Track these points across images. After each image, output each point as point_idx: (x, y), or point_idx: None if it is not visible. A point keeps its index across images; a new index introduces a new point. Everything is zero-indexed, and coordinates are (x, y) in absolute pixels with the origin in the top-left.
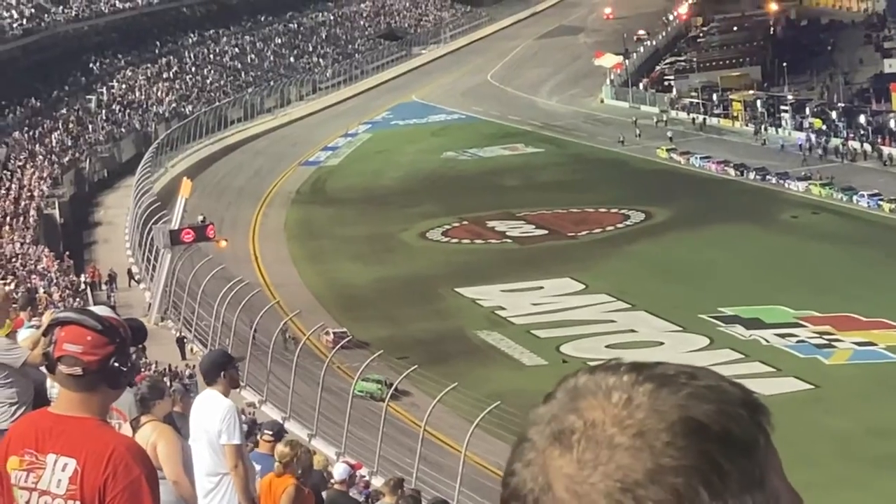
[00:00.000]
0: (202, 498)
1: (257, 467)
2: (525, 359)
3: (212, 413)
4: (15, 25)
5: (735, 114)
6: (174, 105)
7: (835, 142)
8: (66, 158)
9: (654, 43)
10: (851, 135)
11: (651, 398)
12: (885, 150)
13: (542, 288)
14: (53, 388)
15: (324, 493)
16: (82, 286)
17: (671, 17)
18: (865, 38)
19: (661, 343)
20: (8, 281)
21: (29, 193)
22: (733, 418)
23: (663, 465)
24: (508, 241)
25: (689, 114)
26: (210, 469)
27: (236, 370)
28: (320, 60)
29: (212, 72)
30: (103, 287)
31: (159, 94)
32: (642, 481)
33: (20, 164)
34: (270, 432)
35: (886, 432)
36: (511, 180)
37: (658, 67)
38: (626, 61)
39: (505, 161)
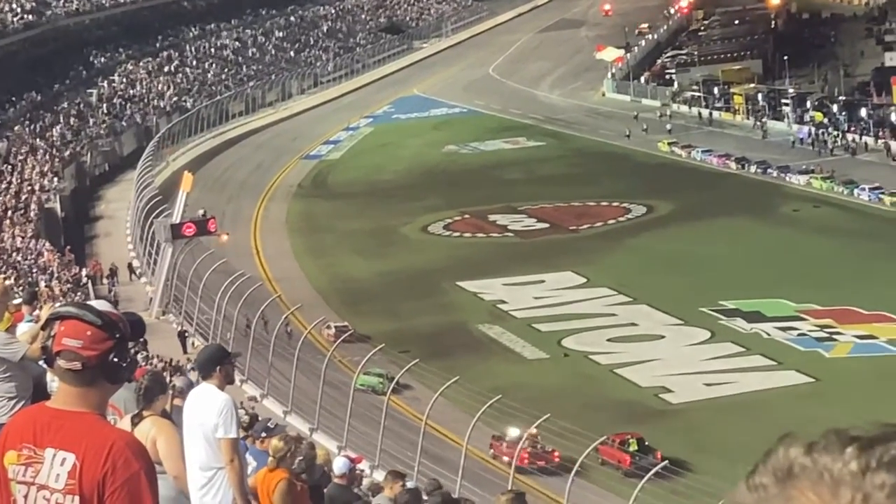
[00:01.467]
0: (196, 491)
1: (253, 463)
2: (527, 352)
3: (208, 407)
4: (16, 19)
5: (736, 107)
6: (175, 99)
7: (834, 135)
8: (67, 152)
9: (655, 36)
10: (853, 128)
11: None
12: (893, 144)
13: (543, 282)
14: (53, 381)
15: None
16: (83, 280)
17: (672, 11)
18: (866, 31)
19: (663, 336)
20: (8, 274)
21: (30, 187)
22: None
23: None
24: (510, 234)
25: (690, 107)
26: (204, 463)
27: (232, 365)
28: (322, 54)
29: (213, 65)
30: (104, 281)
31: (160, 87)
32: None
33: (21, 157)
34: (265, 434)
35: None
36: (512, 174)
37: (659, 61)
38: (628, 55)
39: (506, 155)
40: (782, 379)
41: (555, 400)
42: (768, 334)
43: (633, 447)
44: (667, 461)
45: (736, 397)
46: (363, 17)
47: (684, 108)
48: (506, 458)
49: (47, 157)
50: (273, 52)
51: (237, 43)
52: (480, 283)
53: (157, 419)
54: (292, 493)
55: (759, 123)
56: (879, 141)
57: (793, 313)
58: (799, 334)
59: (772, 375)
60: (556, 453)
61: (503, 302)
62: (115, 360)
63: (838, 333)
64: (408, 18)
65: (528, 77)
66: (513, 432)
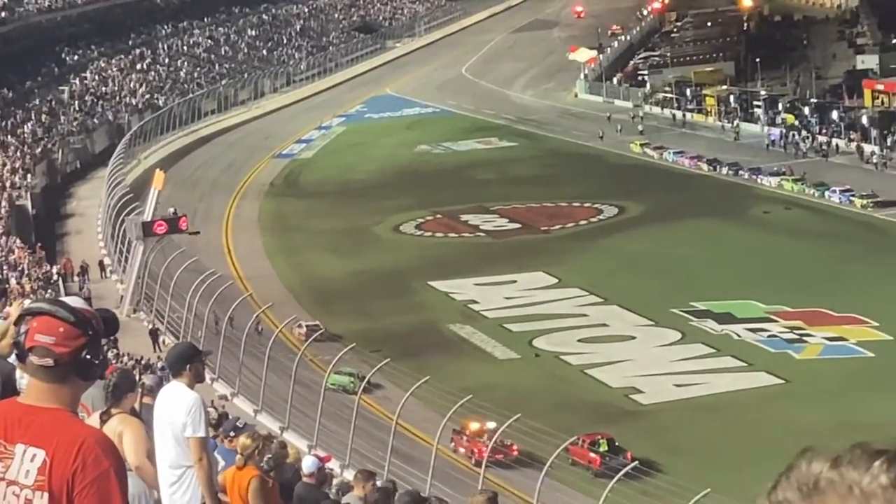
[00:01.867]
0: (166, 489)
1: (222, 462)
2: (498, 352)
3: (177, 405)
4: None
5: (708, 109)
6: (147, 96)
7: (804, 137)
8: (39, 149)
9: (628, 38)
10: (824, 130)
11: None
12: (865, 147)
13: (515, 282)
14: (23, 378)
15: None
16: (54, 277)
17: (645, 12)
18: (838, 34)
19: (634, 337)
20: None
21: (0, 184)
22: None
23: None
24: (482, 234)
25: (663, 109)
26: (174, 461)
27: (202, 364)
28: (294, 53)
29: (185, 63)
30: (76, 278)
31: (132, 85)
32: None
33: None
34: (233, 433)
35: (855, 426)
36: (485, 174)
37: (632, 62)
38: (600, 56)
39: (479, 155)
40: (753, 380)
41: (525, 400)
42: (739, 336)
43: (604, 448)
44: (637, 462)
45: (706, 398)
46: (336, 16)
47: (657, 110)
48: (462, 451)
49: (18, 153)
50: (246, 50)
51: (210, 41)
52: (452, 283)
53: (125, 417)
54: (264, 489)
55: (731, 125)
56: (851, 144)
57: (763, 315)
58: (769, 336)
59: (742, 377)
60: (515, 447)
61: (474, 302)
62: (88, 357)
63: (808, 335)
64: (381, 18)
65: (501, 77)
66: (473, 426)
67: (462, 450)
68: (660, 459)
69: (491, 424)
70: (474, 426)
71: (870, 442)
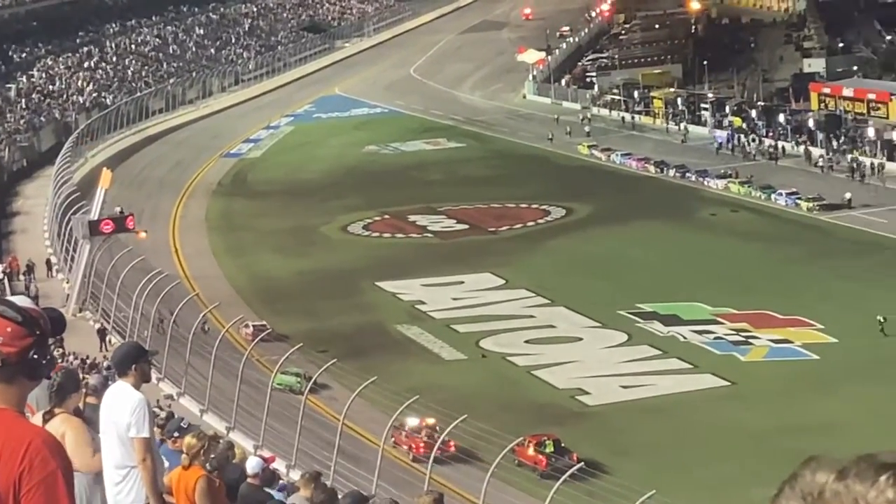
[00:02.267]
0: (111, 488)
1: (167, 463)
2: (444, 353)
3: (122, 406)
4: None
5: (656, 111)
6: (95, 95)
7: (752, 140)
8: None
9: (576, 39)
10: (771, 133)
11: None
12: (812, 150)
13: (462, 283)
14: None
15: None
16: (0, 276)
17: (594, 14)
18: (786, 37)
19: (580, 339)
20: None
21: None
22: None
23: None
24: (429, 235)
25: (610, 111)
26: (119, 461)
27: (148, 363)
28: (243, 52)
29: (133, 62)
30: (21, 277)
31: (80, 83)
32: None
33: None
34: (177, 434)
35: (801, 428)
36: (433, 175)
37: (580, 64)
38: (549, 57)
39: (427, 155)
40: (698, 382)
41: (472, 401)
42: (685, 338)
43: (550, 449)
44: (583, 463)
45: (652, 400)
46: (285, 15)
47: (605, 112)
48: (402, 447)
49: None
50: (194, 49)
51: (158, 39)
52: (399, 283)
53: (67, 417)
54: (211, 490)
55: (678, 128)
56: (798, 147)
57: (709, 317)
58: (715, 338)
59: (688, 378)
60: (452, 443)
61: (422, 302)
62: (35, 356)
63: (754, 337)
64: (330, 18)
65: (449, 78)
66: (412, 422)
67: (403, 446)
68: (606, 461)
69: (430, 420)
70: (413, 422)
71: (876, 454)
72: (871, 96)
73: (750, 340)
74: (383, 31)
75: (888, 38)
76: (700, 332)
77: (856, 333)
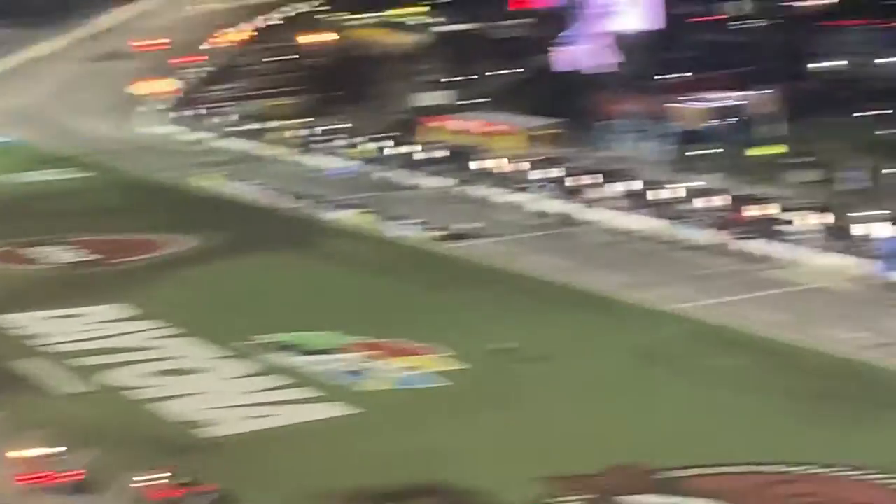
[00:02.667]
0: None
1: None
2: (64, 387)
3: None
4: None
5: (280, 142)
6: None
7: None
8: None
9: (203, 70)
10: (392, 164)
11: None
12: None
13: (84, 315)
14: None
15: None
16: None
17: (220, 45)
18: (409, 71)
19: (209, 370)
20: None
21: None
22: None
23: None
24: (50, 266)
25: (235, 141)
26: None
27: None
28: None
29: None
30: None
31: None
32: None
33: None
34: None
35: (433, 453)
36: (56, 205)
37: (206, 95)
38: (175, 88)
39: (47, 186)
40: (326, 411)
41: (93, 435)
42: (316, 367)
43: (177, 481)
44: (217, 493)
45: (280, 429)
46: None
47: (229, 142)
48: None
49: None
50: None
51: None
52: (17, 316)
53: None
54: None
55: (302, 158)
56: (424, 178)
57: (340, 346)
58: (345, 367)
59: (317, 407)
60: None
61: (41, 336)
62: None
63: (385, 365)
64: None
65: (73, 108)
66: (34, 452)
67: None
68: (237, 490)
69: (36, 451)
70: (35, 452)
71: None
72: (488, 129)
73: (378, 369)
74: (5, 58)
75: (507, 72)
76: (331, 362)
77: (483, 360)
